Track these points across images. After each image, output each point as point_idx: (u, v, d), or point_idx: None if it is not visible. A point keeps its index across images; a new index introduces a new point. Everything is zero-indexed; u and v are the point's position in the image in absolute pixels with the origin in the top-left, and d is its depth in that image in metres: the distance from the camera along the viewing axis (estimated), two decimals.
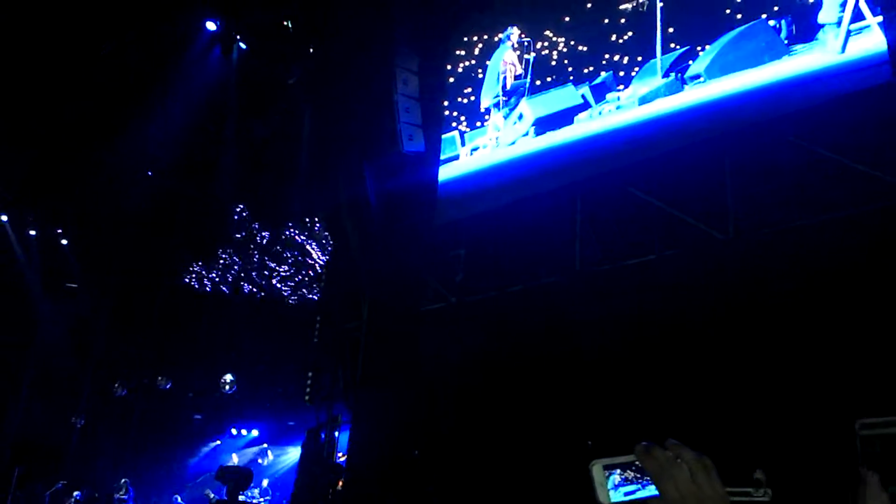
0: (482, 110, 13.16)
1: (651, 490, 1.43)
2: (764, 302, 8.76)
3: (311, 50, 16.15)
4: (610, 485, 1.48)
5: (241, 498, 14.45)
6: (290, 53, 16.71)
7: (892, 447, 6.65)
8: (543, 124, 12.09)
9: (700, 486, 1.35)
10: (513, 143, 12.47)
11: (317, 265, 19.66)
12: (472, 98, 13.36)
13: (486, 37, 13.41)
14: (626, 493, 1.47)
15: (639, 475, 1.46)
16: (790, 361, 8.23)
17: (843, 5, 8.92)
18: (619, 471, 1.48)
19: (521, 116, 12.38)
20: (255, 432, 20.10)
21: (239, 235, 20.63)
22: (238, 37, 17.15)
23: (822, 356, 7.96)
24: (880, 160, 8.35)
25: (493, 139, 12.81)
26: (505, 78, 12.80)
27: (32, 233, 20.57)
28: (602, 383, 9.72)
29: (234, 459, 18.36)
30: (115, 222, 19.68)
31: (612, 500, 1.47)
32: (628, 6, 11.22)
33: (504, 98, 12.76)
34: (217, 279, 20.60)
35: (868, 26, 8.74)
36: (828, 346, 7.97)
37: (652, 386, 9.20)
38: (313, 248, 19.84)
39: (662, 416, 8.88)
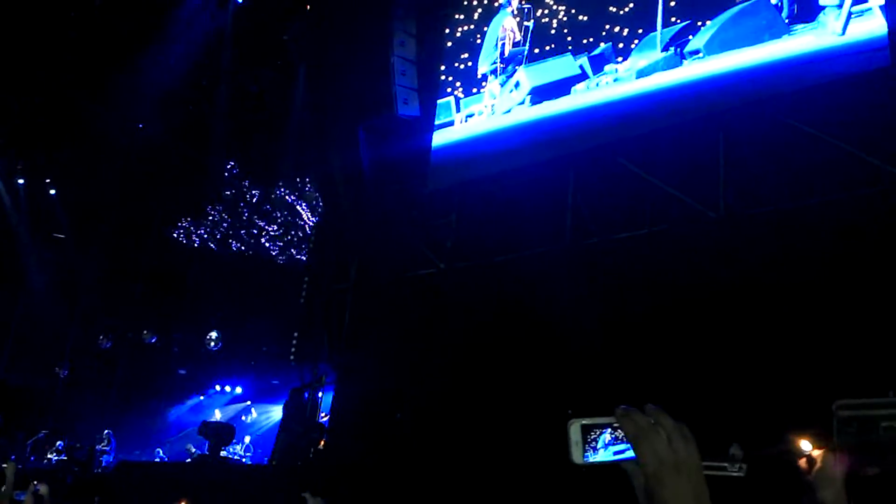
0: (479, 77, 13.04)
1: (631, 453, 1.44)
2: (750, 281, 8.81)
3: (308, 7, 15.95)
4: (600, 444, 1.49)
5: (222, 453, 14.61)
6: (286, 9, 16.50)
7: (869, 429, 6.73)
8: (540, 93, 12.01)
9: (677, 451, 1.35)
10: (508, 111, 12.40)
11: (306, 226, 19.60)
12: (470, 64, 13.23)
13: (485, 2, 13.26)
14: (615, 453, 1.48)
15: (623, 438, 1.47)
16: (773, 340, 8.30)
17: None
18: (609, 430, 1.49)
19: (517, 84, 12.29)
20: (238, 389, 20.18)
21: (229, 193, 20.51)
22: None
23: (805, 336, 8.03)
24: (875, 145, 8.35)
25: (489, 106, 12.72)
26: (503, 45, 12.68)
27: (21, 181, 20.39)
28: (586, 355, 9.78)
29: (217, 415, 18.46)
30: (105, 174, 19.53)
31: (584, 461, 1.48)
32: None
33: (501, 65, 12.66)
34: (205, 235, 20.53)
35: (870, 9, 8.70)
36: (811, 327, 8.04)
37: (635, 359, 9.27)
38: (303, 209, 19.76)
39: (644, 388, 8.95)
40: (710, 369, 8.61)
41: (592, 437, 1.49)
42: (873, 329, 7.58)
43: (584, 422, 1.50)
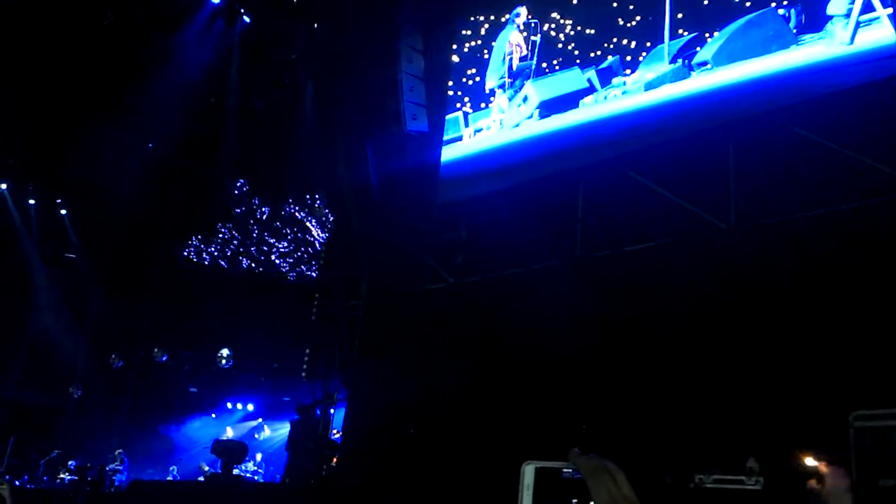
0: (487, 91, 13.08)
1: None
2: (762, 292, 8.77)
3: (315, 25, 16.04)
4: (554, 489, 1.52)
5: (234, 471, 14.58)
6: (293, 28, 16.60)
7: (885, 440, 6.67)
8: (548, 107, 12.03)
9: (621, 487, 1.49)
10: (517, 125, 12.42)
11: (316, 242, 19.64)
12: (477, 79, 13.28)
13: (492, 17, 13.31)
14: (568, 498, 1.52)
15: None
16: (787, 352, 8.25)
17: None
18: (564, 473, 1.53)
19: (525, 99, 12.32)
20: (250, 406, 20.17)
21: (239, 210, 20.58)
22: (241, 10, 17.03)
23: (819, 347, 7.98)
24: (885, 154, 8.32)
25: (497, 121, 12.75)
26: (511, 59, 12.72)
27: (31, 202, 20.51)
28: (598, 367, 9.74)
29: (229, 433, 18.43)
30: (115, 194, 19.62)
31: None
32: None
33: (509, 80, 12.69)
34: (215, 253, 20.58)
35: (878, 18, 8.69)
36: (824, 338, 7.99)
37: (649, 372, 9.23)
38: (313, 225, 19.81)
39: (659, 401, 8.92)
40: (723, 381, 8.56)
41: (548, 481, 1.53)
42: (888, 339, 7.52)
43: (539, 465, 1.53)
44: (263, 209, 20.31)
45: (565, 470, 1.52)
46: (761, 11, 9.80)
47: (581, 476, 1.50)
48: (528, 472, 1.52)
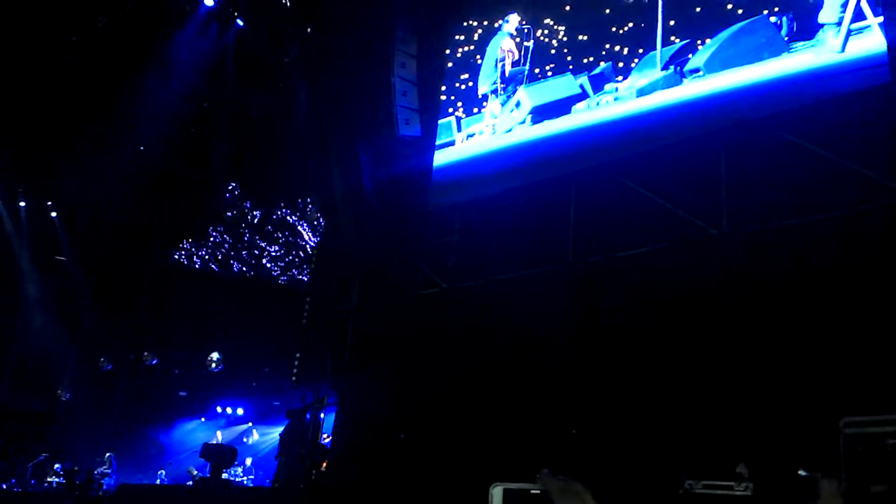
0: (479, 97, 13.10)
1: None
2: (753, 298, 8.79)
3: (309, 29, 16.05)
4: None
5: (223, 476, 14.50)
6: (287, 32, 16.61)
7: (876, 446, 6.68)
8: (541, 113, 12.05)
9: None
10: (509, 130, 12.44)
11: (307, 246, 19.62)
12: (470, 84, 13.30)
13: (485, 22, 13.33)
14: None
15: None
16: (777, 358, 8.27)
17: (845, 5, 8.91)
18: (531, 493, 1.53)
19: (518, 104, 12.34)
20: (240, 411, 20.10)
21: (230, 214, 20.54)
22: (235, 13, 17.02)
23: (810, 354, 8.00)
24: (875, 161, 8.36)
25: (490, 126, 12.76)
26: (503, 65, 12.74)
27: (22, 204, 20.41)
28: (591, 374, 9.74)
29: (219, 437, 18.34)
30: (106, 197, 19.55)
31: None
32: None
33: (502, 85, 12.71)
34: (207, 257, 20.53)
35: (869, 26, 8.75)
36: (815, 344, 8.01)
37: (639, 377, 9.23)
38: (304, 229, 19.79)
39: (649, 407, 8.92)
40: (714, 387, 8.57)
41: (517, 502, 1.53)
42: (879, 345, 7.54)
43: (506, 486, 1.54)
44: (255, 213, 20.28)
45: (533, 491, 1.52)
46: (753, 19, 9.84)
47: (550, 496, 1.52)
48: (497, 493, 1.52)
